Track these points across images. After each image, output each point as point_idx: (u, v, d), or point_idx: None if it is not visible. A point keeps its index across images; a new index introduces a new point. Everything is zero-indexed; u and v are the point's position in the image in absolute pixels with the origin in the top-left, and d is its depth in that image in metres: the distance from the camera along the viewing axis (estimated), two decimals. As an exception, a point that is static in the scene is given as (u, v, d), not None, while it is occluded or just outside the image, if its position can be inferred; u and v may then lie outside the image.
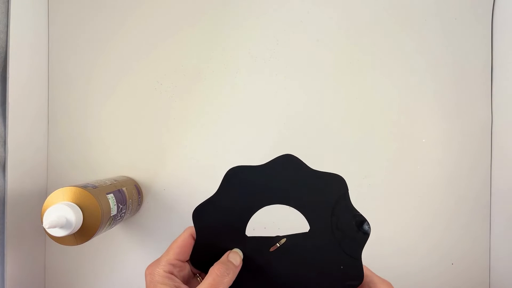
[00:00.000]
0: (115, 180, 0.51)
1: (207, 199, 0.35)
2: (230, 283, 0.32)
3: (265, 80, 0.57)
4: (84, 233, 0.41)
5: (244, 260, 0.34)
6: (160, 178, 0.57)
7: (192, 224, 0.35)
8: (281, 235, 0.35)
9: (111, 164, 0.57)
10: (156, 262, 0.33)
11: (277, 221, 0.49)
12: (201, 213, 0.35)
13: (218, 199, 0.35)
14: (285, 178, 0.35)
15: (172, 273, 0.32)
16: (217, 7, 0.57)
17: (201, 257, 0.34)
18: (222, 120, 0.57)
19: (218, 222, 0.35)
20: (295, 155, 0.35)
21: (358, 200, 0.56)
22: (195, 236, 0.35)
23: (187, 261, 0.35)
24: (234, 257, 0.33)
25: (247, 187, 0.34)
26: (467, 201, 0.56)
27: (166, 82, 0.57)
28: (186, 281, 0.35)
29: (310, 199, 0.34)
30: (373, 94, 0.56)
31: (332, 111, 0.56)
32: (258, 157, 0.56)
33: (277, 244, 0.35)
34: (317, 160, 0.57)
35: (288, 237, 0.35)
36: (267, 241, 0.35)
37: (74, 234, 0.41)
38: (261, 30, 0.57)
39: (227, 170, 0.35)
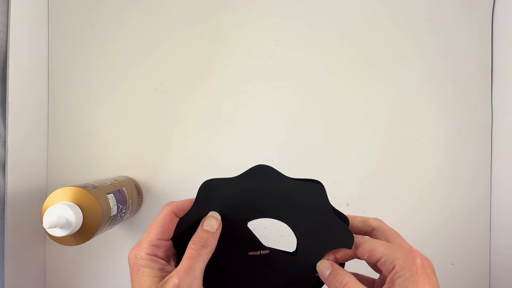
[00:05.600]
0: (115, 180, 0.51)
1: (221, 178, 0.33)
2: (211, 252, 0.31)
3: (265, 80, 0.57)
4: (84, 233, 0.41)
5: (224, 246, 0.33)
6: (160, 178, 0.57)
7: (171, 200, 0.33)
8: (269, 246, 0.34)
9: (111, 164, 0.57)
10: (138, 244, 0.31)
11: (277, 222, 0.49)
12: (209, 188, 0.33)
13: (231, 183, 0.33)
14: (264, 191, 0.33)
15: (155, 255, 0.31)
16: (217, 7, 0.57)
17: (184, 237, 0.32)
18: (222, 119, 0.57)
19: (220, 206, 0.33)
20: (273, 164, 0.33)
21: (358, 200, 0.56)
22: (177, 212, 0.33)
23: (170, 239, 0.33)
24: (210, 223, 0.32)
25: (225, 201, 0.33)
26: (467, 201, 0.56)
27: (166, 82, 0.57)
28: (171, 259, 0.33)
29: (293, 213, 0.33)
30: (373, 94, 0.56)
31: (332, 111, 0.56)
32: (259, 156, 0.56)
33: (259, 252, 0.33)
34: (317, 160, 0.57)
35: (272, 251, 0.33)
36: (253, 243, 0.34)
37: (74, 234, 0.41)
38: (261, 30, 0.57)
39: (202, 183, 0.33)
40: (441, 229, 0.56)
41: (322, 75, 0.56)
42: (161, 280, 0.29)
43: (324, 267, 0.32)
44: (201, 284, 0.30)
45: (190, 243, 0.31)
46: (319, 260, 0.33)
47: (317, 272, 0.33)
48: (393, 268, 0.29)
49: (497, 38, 0.55)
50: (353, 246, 0.32)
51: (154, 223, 0.32)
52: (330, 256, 0.33)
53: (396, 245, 0.31)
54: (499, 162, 0.55)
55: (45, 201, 0.41)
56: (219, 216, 0.33)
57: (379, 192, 0.56)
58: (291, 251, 0.34)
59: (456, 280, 0.56)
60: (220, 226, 0.32)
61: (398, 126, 0.56)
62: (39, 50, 0.56)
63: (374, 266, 0.34)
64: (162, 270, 0.31)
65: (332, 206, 0.33)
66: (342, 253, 0.33)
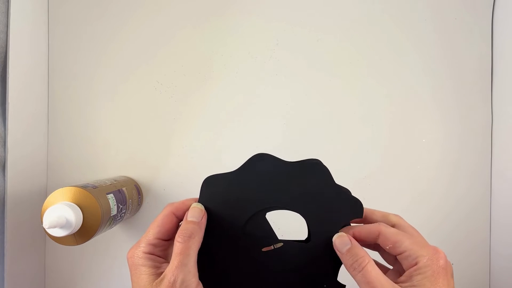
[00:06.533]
0: (115, 180, 0.51)
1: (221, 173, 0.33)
2: (199, 242, 0.31)
3: (265, 80, 0.57)
4: (84, 233, 0.41)
5: (232, 250, 0.33)
6: (160, 178, 0.57)
7: (171, 200, 0.34)
8: (280, 238, 0.34)
9: (111, 164, 0.57)
10: (136, 244, 0.32)
11: (277, 221, 0.49)
12: (212, 184, 0.33)
13: (232, 178, 0.33)
14: (265, 179, 0.33)
15: (152, 253, 0.31)
16: (217, 7, 0.57)
17: None
18: (222, 119, 0.57)
19: (224, 202, 0.33)
20: (279, 153, 0.33)
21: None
22: (176, 213, 0.33)
23: (170, 239, 0.33)
24: (194, 214, 0.31)
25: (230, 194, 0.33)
26: (467, 201, 0.56)
27: (166, 82, 0.57)
28: (170, 258, 0.33)
29: (299, 195, 0.33)
30: (373, 94, 0.56)
31: (332, 111, 0.56)
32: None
33: (272, 246, 0.33)
34: (317, 160, 0.57)
35: (285, 242, 0.33)
36: (264, 240, 0.33)
37: (74, 234, 0.41)
38: (261, 30, 0.57)
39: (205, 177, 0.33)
40: (441, 229, 0.56)
41: (322, 75, 0.56)
42: (158, 278, 0.29)
43: (341, 241, 0.31)
44: (197, 276, 0.29)
45: (176, 237, 0.30)
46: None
47: (334, 253, 0.32)
48: (415, 264, 0.29)
49: (497, 38, 0.55)
50: (376, 233, 0.31)
51: (153, 224, 0.32)
52: (349, 231, 0.32)
53: (422, 242, 0.31)
54: (499, 162, 0.55)
55: (45, 201, 0.41)
56: (202, 206, 0.32)
57: (379, 192, 0.56)
58: (303, 239, 0.34)
59: (456, 280, 0.55)
60: (205, 216, 0.32)
61: (398, 126, 0.56)
62: (39, 50, 0.56)
63: (391, 257, 0.33)
64: (158, 268, 0.31)
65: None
66: (363, 233, 0.31)
